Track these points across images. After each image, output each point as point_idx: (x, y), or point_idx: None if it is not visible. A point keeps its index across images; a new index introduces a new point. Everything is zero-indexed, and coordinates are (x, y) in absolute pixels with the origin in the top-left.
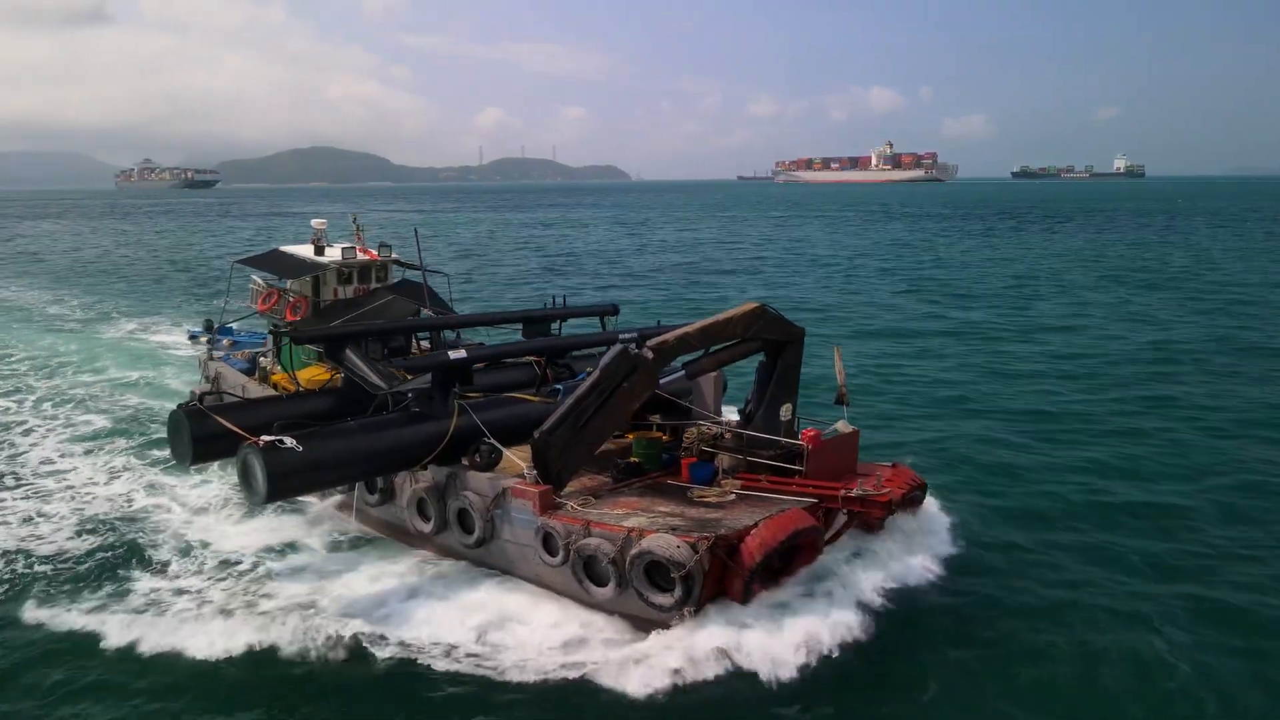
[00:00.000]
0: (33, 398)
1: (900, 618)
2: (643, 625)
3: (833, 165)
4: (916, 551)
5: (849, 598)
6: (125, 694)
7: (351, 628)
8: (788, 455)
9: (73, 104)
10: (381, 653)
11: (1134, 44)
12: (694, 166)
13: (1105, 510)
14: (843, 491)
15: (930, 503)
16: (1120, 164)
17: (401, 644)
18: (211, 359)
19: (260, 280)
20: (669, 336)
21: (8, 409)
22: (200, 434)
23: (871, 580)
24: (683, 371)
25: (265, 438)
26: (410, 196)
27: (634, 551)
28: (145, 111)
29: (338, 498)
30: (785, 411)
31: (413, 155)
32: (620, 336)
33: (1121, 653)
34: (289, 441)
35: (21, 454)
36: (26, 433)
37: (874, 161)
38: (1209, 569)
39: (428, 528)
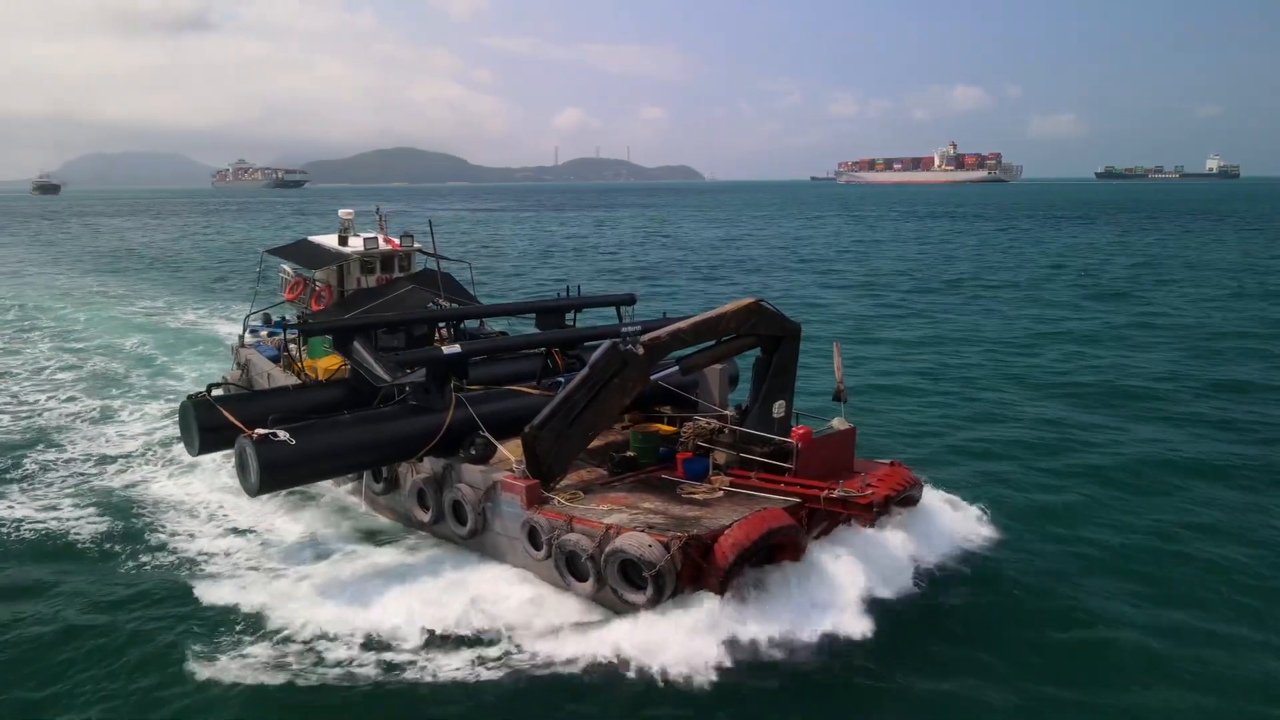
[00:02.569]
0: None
1: (882, 618)
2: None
3: (895, 166)
4: (904, 551)
5: (831, 596)
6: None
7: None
8: (780, 453)
9: (174, 107)
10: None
11: (1239, 38)
12: (769, 166)
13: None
14: (825, 492)
15: (946, 503)
16: (1213, 164)
17: (372, 630)
18: (244, 346)
19: (289, 270)
20: (661, 332)
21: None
22: (207, 424)
23: (855, 579)
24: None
25: (259, 430)
26: (479, 196)
27: (608, 549)
28: (240, 114)
29: (350, 485)
30: (779, 408)
31: (491, 155)
32: (623, 329)
33: (1117, 656)
34: (282, 434)
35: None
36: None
37: (936, 162)
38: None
39: (426, 517)
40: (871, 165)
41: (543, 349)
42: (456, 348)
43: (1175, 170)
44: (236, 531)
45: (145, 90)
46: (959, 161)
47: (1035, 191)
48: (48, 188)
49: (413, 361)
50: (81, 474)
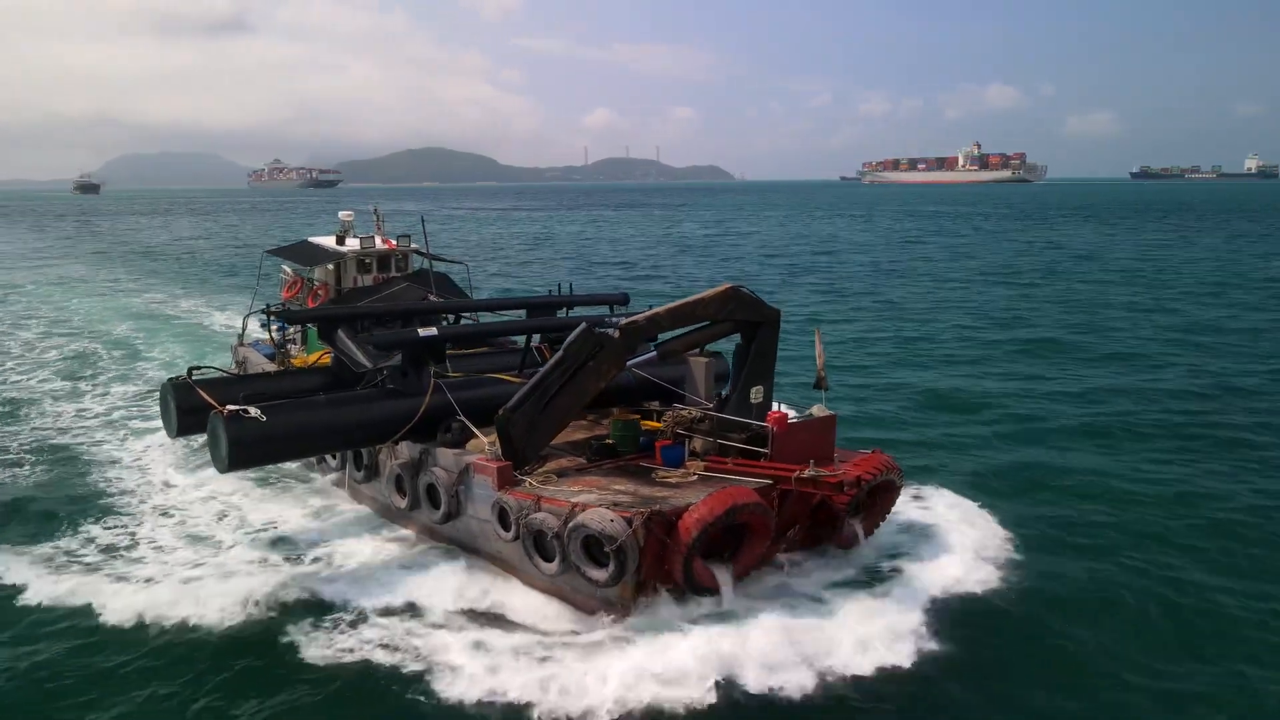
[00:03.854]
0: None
1: (855, 615)
2: (587, 609)
3: (919, 166)
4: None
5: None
6: (85, 651)
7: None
8: (757, 438)
9: (210, 108)
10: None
11: None
12: (799, 166)
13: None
14: (795, 473)
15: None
16: (1252, 164)
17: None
18: (242, 344)
19: (289, 270)
20: (639, 317)
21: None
22: (185, 406)
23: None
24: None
25: (230, 407)
26: (504, 195)
27: (570, 525)
28: (274, 114)
29: (334, 475)
30: (756, 394)
31: (520, 155)
32: (606, 319)
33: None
34: (253, 411)
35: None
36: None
37: (960, 162)
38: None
39: (404, 504)
40: (896, 165)
41: (527, 340)
42: (433, 330)
43: (1213, 170)
44: (191, 512)
45: (183, 91)
46: (983, 161)
47: (1056, 191)
48: (88, 187)
49: (388, 342)
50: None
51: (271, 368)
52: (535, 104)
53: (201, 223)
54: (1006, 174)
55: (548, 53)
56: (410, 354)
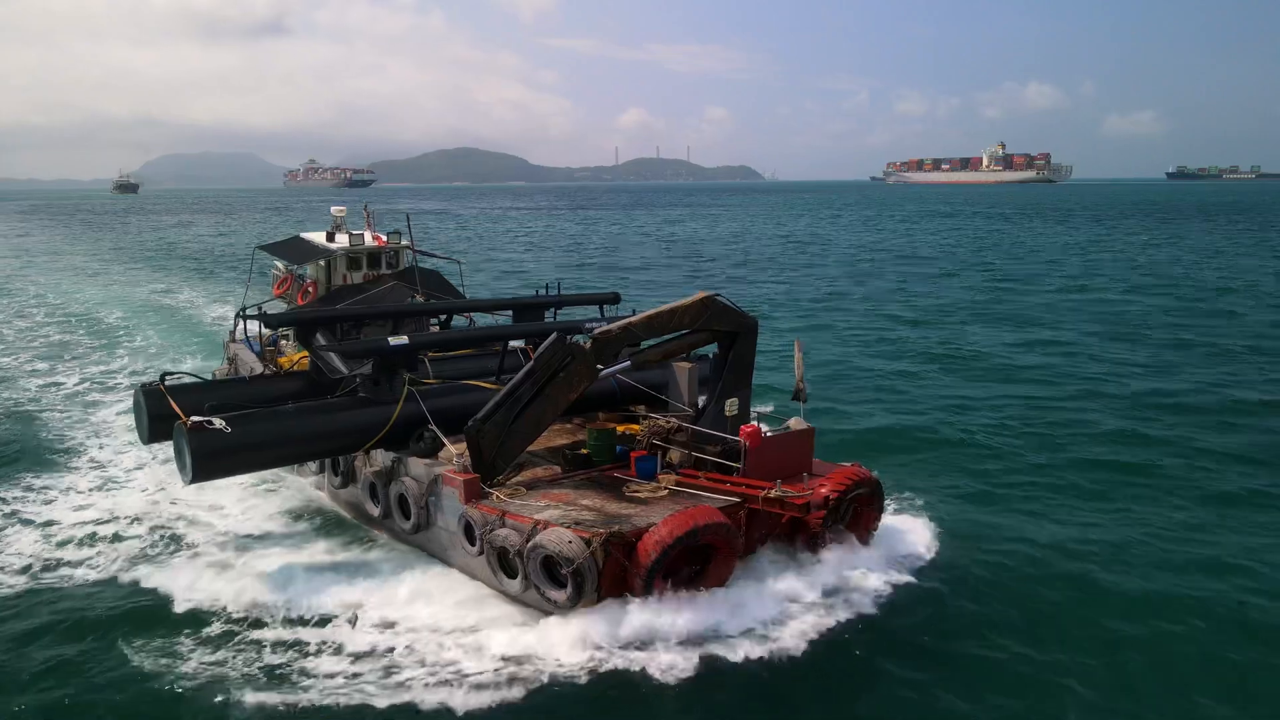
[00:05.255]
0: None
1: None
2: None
3: (943, 166)
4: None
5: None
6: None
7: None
8: (731, 452)
9: (250, 109)
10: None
11: None
12: (833, 167)
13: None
14: (763, 492)
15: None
16: None
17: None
18: (234, 341)
19: (281, 266)
20: (612, 327)
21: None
22: (155, 413)
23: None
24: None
25: (194, 418)
26: (529, 194)
27: (529, 544)
28: (312, 115)
29: (313, 478)
30: (731, 406)
31: (552, 156)
32: (585, 326)
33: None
34: (218, 423)
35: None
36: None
37: (985, 162)
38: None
39: (377, 512)
40: (920, 165)
41: (503, 346)
42: (404, 339)
43: (1251, 170)
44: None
45: (224, 93)
46: (1007, 161)
47: (1078, 191)
48: (127, 187)
49: (356, 352)
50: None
51: (258, 365)
52: (569, 104)
53: (227, 221)
54: (1031, 174)
55: (582, 53)
56: (380, 362)
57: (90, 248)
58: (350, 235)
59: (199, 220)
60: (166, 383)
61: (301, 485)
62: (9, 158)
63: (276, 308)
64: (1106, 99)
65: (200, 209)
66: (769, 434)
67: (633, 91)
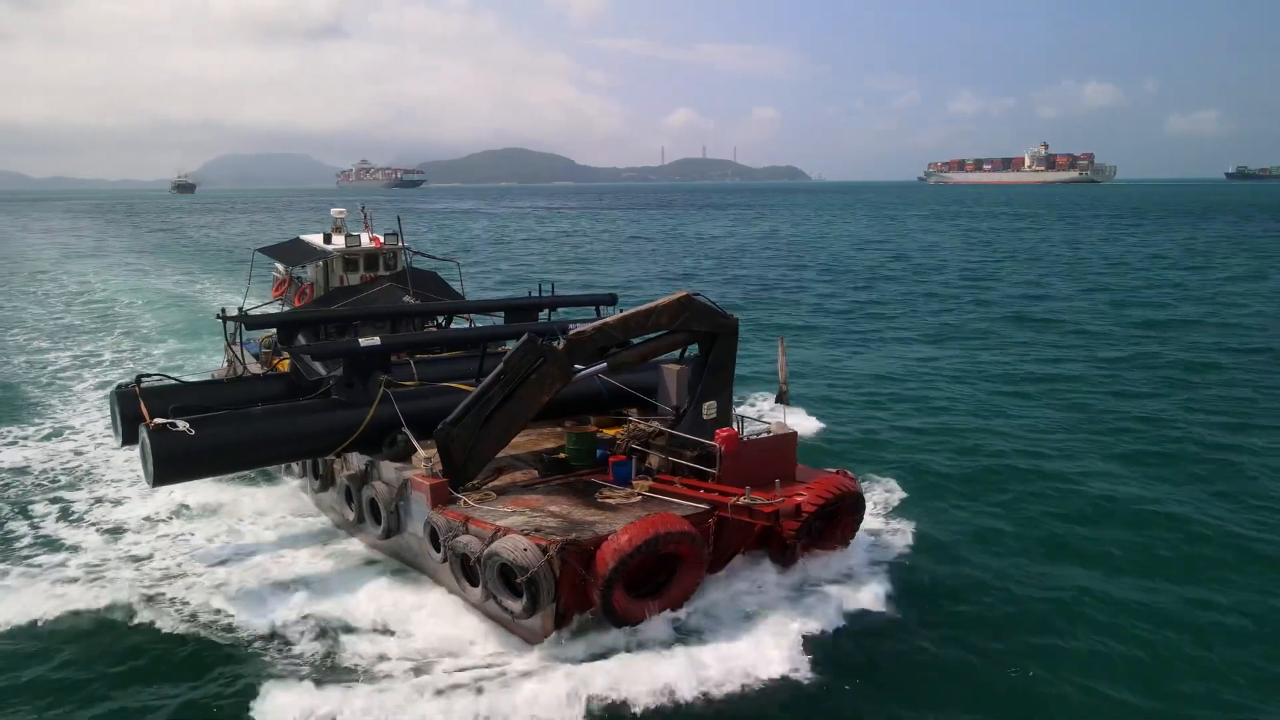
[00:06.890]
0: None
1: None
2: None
3: (985, 166)
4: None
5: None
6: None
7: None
8: (709, 456)
9: (306, 110)
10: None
11: None
12: (882, 167)
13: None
14: (731, 500)
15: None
16: None
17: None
18: (234, 343)
19: (280, 268)
20: (587, 328)
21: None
22: (129, 414)
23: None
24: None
25: (157, 420)
26: (564, 195)
27: (486, 551)
28: (365, 116)
29: (298, 481)
30: (709, 410)
31: (598, 156)
32: (569, 326)
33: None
34: (181, 425)
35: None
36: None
37: (1027, 163)
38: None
39: (351, 516)
40: (961, 166)
41: (483, 348)
42: (375, 340)
43: None
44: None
45: (281, 95)
46: (1050, 161)
47: (1119, 192)
48: (185, 187)
49: (325, 353)
50: None
51: (255, 366)
52: (617, 104)
53: (273, 220)
54: (1073, 174)
55: (632, 53)
56: (352, 364)
57: (130, 244)
58: (347, 236)
59: (247, 219)
60: (143, 384)
61: (288, 489)
62: (80, 159)
63: (275, 310)
64: (1169, 97)
65: (247, 209)
66: (747, 439)
67: (682, 92)
